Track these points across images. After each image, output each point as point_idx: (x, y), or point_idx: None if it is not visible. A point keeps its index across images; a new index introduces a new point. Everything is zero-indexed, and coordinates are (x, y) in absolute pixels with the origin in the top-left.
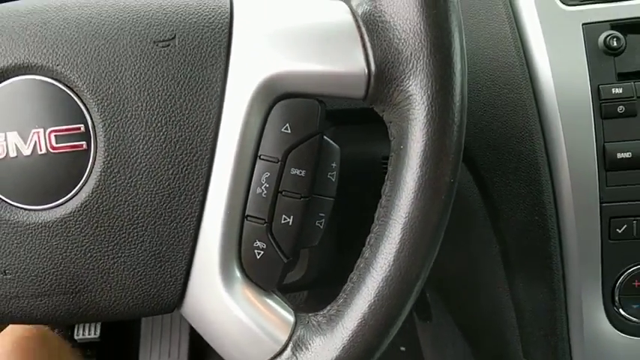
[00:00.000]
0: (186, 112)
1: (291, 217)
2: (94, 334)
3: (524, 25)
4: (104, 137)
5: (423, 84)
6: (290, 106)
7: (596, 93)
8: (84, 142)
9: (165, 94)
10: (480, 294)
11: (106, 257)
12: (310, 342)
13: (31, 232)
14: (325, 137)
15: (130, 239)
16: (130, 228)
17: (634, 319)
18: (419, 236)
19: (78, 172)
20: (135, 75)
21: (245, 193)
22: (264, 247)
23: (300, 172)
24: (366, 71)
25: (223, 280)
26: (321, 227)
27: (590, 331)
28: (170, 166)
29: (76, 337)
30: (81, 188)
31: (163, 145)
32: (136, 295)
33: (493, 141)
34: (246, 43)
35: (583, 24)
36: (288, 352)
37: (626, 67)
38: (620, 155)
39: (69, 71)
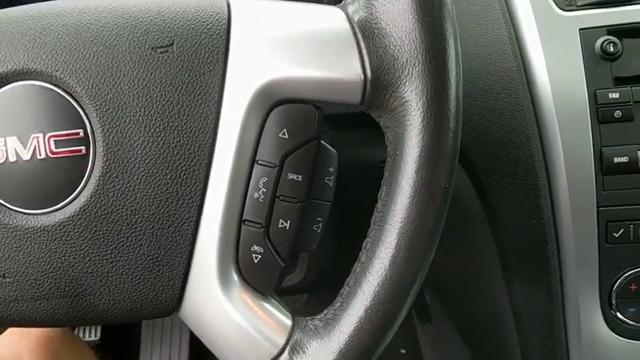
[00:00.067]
0: (184, 117)
1: (289, 221)
2: (95, 336)
3: (521, 30)
4: (103, 142)
5: (418, 90)
6: (287, 111)
7: (593, 98)
8: (83, 147)
9: (164, 100)
10: (478, 297)
11: (105, 261)
12: (307, 345)
13: (30, 236)
14: (323, 142)
15: (128, 243)
16: (128, 232)
17: (631, 322)
18: (414, 241)
19: (77, 176)
20: (133, 81)
21: (242, 198)
22: (262, 251)
23: (297, 177)
24: (362, 77)
25: (221, 284)
26: (319, 231)
27: (588, 334)
28: (168, 170)
29: None
30: (80, 193)
31: (161, 150)
32: (135, 298)
33: (491, 145)
34: (244, 49)
35: (580, 29)
36: (285, 355)
37: (623, 72)
38: (616, 160)
39: (68, 77)
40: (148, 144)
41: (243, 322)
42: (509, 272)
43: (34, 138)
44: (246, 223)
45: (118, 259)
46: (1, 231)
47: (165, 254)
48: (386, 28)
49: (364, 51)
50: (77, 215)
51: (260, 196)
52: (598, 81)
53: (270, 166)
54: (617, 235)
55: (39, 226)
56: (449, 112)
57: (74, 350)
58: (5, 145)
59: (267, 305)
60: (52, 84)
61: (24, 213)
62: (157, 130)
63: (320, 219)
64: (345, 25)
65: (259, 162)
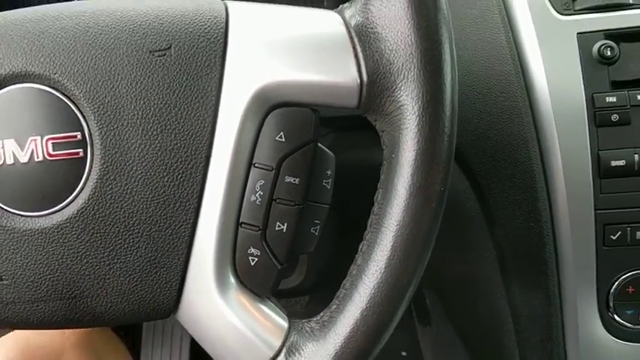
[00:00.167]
0: (182, 120)
1: (286, 224)
2: None
3: (519, 34)
4: (100, 145)
5: (414, 94)
6: (284, 114)
7: (591, 101)
8: (80, 150)
9: (161, 103)
10: (477, 299)
11: (102, 263)
12: (303, 348)
13: (28, 239)
14: (320, 145)
15: (125, 245)
16: (125, 234)
17: (628, 324)
18: (410, 243)
19: (74, 179)
20: (131, 84)
21: (239, 201)
22: (259, 253)
23: (294, 180)
24: (359, 81)
25: (218, 286)
26: (316, 234)
27: (585, 337)
28: (165, 173)
29: None
30: (77, 195)
31: (159, 153)
32: (132, 300)
33: (489, 148)
34: (241, 53)
35: (578, 33)
36: (281, 357)
37: (620, 76)
38: (614, 163)
39: (66, 80)
40: (145, 147)
41: (239, 324)
42: (508, 275)
43: (31, 140)
44: (243, 225)
45: (115, 261)
46: None
47: (162, 256)
48: (382, 32)
49: (360, 55)
50: (75, 217)
51: (257, 198)
52: (595, 85)
53: (267, 169)
54: (614, 238)
55: (36, 228)
56: (444, 116)
57: (112, 349)
58: (3, 147)
59: (263, 307)
60: (50, 87)
61: (21, 215)
62: (155, 133)
63: (317, 222)
64: (342, 29)
65: (256, 165)
